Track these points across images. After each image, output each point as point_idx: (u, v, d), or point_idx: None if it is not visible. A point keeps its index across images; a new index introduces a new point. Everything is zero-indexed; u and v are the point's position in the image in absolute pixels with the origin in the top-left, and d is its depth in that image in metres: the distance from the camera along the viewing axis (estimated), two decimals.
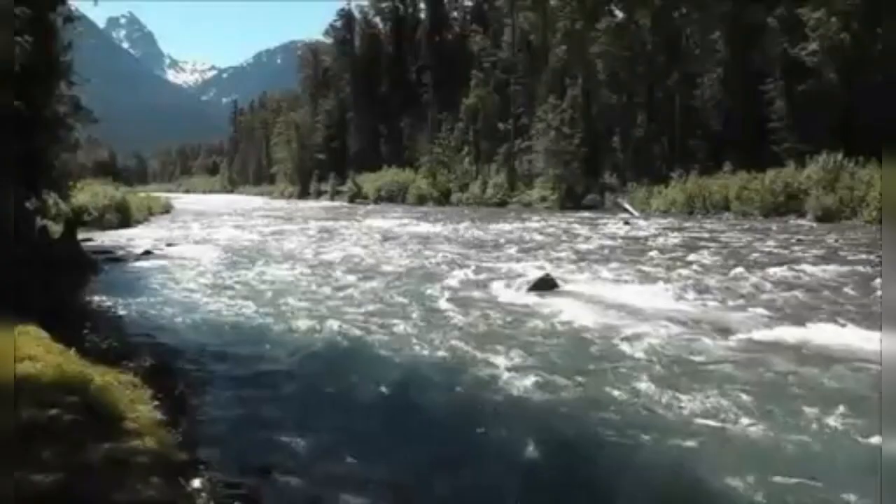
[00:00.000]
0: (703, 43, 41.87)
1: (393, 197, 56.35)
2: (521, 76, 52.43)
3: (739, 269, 13.34)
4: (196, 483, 4.11)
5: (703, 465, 4.74)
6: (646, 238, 21.72)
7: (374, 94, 72.49)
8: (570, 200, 40.72)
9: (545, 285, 11.61)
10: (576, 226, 27.26)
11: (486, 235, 23.50)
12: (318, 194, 71.83)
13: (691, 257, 16.05)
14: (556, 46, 50.46)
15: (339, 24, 79.44)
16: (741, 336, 8.16)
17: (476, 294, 11.44)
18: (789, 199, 29.51)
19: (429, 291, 11.66)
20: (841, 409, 5.66)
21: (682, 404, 5.83)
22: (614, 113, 45.97)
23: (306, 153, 79.04)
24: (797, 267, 13.71)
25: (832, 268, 13.66)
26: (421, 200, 52.40)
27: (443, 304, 10.52)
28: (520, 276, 12.89)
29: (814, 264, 14.31)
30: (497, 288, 11.89)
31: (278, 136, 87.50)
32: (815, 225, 25.61)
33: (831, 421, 5.40)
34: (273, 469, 4.71)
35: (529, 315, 9.63)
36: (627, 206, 37.18)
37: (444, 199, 51.36)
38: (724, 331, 8.48)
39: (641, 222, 29.55)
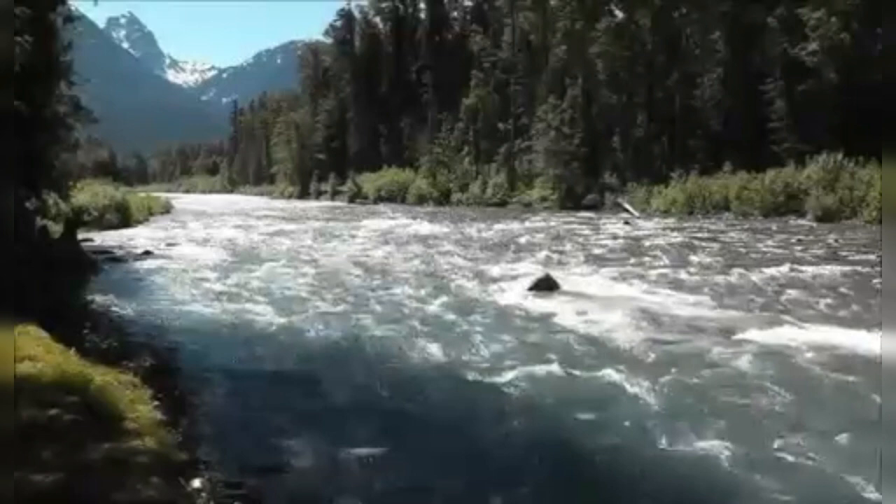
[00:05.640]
0: (703, 43, 41.84)
1: (393, 197, 56.34)
2: (521, 76, 52.40)
3: (739, 269, 13.34)
4: (196, 483, 4.11)
5: (700, 465, 4.73)
6: (646, 238, 21.71)
7: (374, 94, 72.46)
8: (570, 200, 40.70)
9: (546, 285, 11.60)
10: (576, 226, 27.26)
11: (487, 235, 23.49)
12: (318, 194, 71.81)
13: (691, 257, 16.05)
14: (556, 46, 50.44)
15: (339, 24, 79.42)
16: (741, 336, 8.15)
17: (476, 294, 11.44)
18: (789, 199, 29.53)
19: (429, 292, 11.65)
20: (840, 410, 5.66)
21: (682, 405, 5.83)
22: (614, 113, 45.92)
23: (306, 153, 79.03)
24: (797, 267, 13.72)
25: (832, 268, 13.67)
26: (421, 200, 52.39)
27: (443, 304, 10.50)
28: (520, 276, 12.89)
29: (814, 264, 14.32)
30: (497, 288, 11.88)
31: (278, 136, 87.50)
32: (815, 225, 25.60)
33: (831, 422, 5.40)
34: (273, 469, 4.71)
35: (530, 315, 9.63)
36: (627, 206, 37.17)
37: (444, 199, 51.35)
38: (724, 331, 8.48)
39: (641, 222, 29.55)
